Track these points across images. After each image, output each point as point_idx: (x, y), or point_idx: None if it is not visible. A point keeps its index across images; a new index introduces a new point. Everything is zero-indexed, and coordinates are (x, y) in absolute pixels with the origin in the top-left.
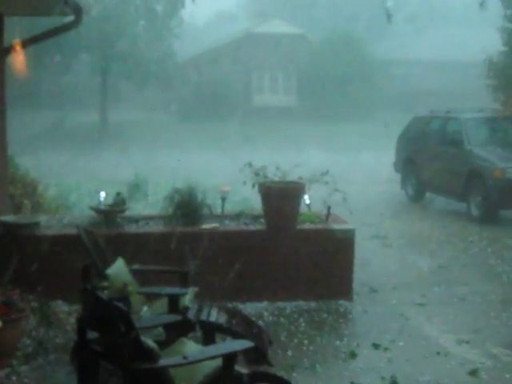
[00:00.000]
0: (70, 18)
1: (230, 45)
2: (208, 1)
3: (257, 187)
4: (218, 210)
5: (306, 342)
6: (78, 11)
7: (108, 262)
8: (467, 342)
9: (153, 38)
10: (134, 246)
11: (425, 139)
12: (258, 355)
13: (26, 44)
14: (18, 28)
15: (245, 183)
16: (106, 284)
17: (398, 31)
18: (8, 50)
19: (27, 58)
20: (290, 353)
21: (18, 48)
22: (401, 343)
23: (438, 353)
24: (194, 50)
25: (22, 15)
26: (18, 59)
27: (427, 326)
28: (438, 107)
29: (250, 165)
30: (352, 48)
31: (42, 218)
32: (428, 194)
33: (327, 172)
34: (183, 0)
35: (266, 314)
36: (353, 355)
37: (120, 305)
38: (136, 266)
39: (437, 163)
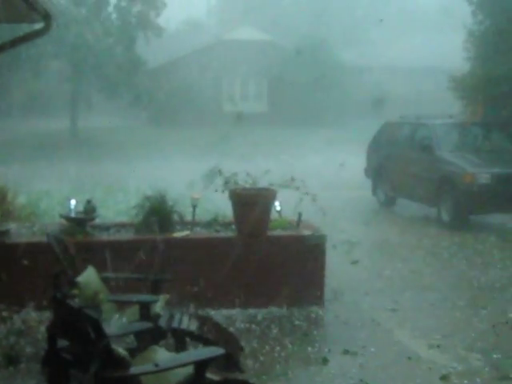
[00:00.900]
0: (40, 25)
1: (200, 52)
2: (178, 8)
3: (227, 194)
4: (189, 218)
5: (277, 348)
6: (47, 18)
7: (78, 270)
8: (438, 347)
9: (123, 46)
10: (105, 254)
11: (395, 145)
12: (229, 362)
13: None
14: None
15: (216, 191)
16: (76, 292)
17: (368, 38)
18: None
19: None
20: (261, 359)
21: None
22: (372, 349)
23: (410, 358)
24: (164, 56)
25: None
26: None
27: (398, 331)
28: (408, 113)
29: (220, 172)
30: (322, 54)
31: (12, 226)
32: (399, 200)
33: (295, 178)
34: (157, 10)
35: (237, 320)
36: (324, 361)
37: (90, 312)
38: (107, 274)
39: (408, 169)
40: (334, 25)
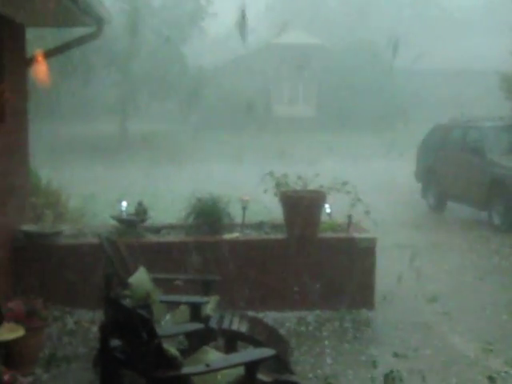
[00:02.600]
0: (92, 29)
1: (249, 56)
2: (228, 13)
3: (278, 196)
4: (239, 220)
5: (327, 350)
6: (99, 22)
7: (130, 271)
8: (491, 351)
9: (173, 51)
10: (156, 255)
11: (446, 148)
12: (279, 363)
13: (48, 55)
14: (40, 39)
15: (266, 191)
16: (128, 293)
17: (416, 40)
18: (30, 61)
19: (49, 68)
20: (311, 361)
21: (40, 59)
22: (424, 352)
23: (461, 361)
24: (214, 61)
25: (44, 26)
26: (40, 70)
27: (450, 335)
28: (457, 116)
29: (272, 174)
30: (371, 57)
31: (64, 228)
32: (449, 203)
33: (347, 182)
34: (202, 13)
35: (287, 322)
36: (374, 364)
37: (143, 313)
38: (158, 275)
39: (458, 172)
40: (382, 28)
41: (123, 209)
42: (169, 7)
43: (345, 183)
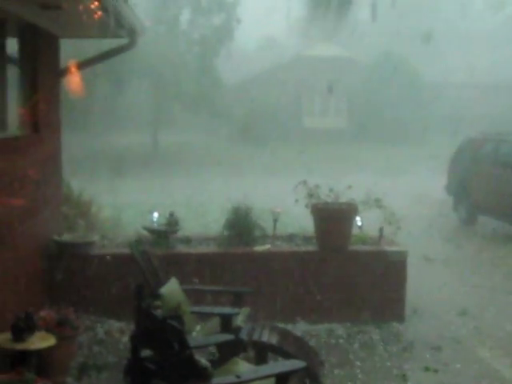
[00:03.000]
0: (125, 41)
1: (279, 68)
2: (258, 26)
3: (309, 208)
4: (270, 232)
5: (357, 363)
6: (132, 34)
7: (161, 282)
8: None
9: (204, 64)
10: (187, 266)
11: (477, 162)
12: (310, 376)
13: (80, 66)
14: (73, 50)
15: (297, 201)
16: (159, 303)
17: (447, 53)
18: (64, 72)
19: (82, 79)
20: (341, 373)
21: (74, 70)
22: (454, 366)
23: (492, 375)
24: (244, 73)
25: (78, 37)
26: (73, 81)
27: (480, 349)
28: (489, 129)
29: (305, 182)
30: (402, 70)
31: (96, 238)
32: (481, 217)
33: (380, 199)
34: (232, 25)
35: (318, 334)
36: (404, 378)
37: (174, 323)
38: (189, 286)
39: (490, 186)
40: (413, 40)
41: (155, 219)
42: (199, 21)
43: (378, 200)
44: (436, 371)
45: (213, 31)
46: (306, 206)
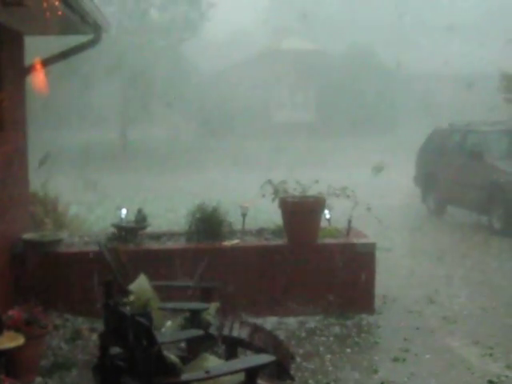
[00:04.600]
0: (90, 37)
1: (249, 62)
2: (226, 18)
3: (277, 202)
4: (239, 227)
5: (327, 356)
6: (97, 30)
7: (130, 278)
8: (491, 355)
9: (172, 57)
10: (156, 262)
11: (445, 153)
12: (280, 370)
13: (45, 63)
14: (38, 47)
15: (264, 196)
16: (128, 300)
17: (415, 44)
18: (29, 70)
19: (47, 77)
20: (311, 367)
21: (39, 67)
22: (423, 356)
23: (461, 365)
24: (213, 67)
25: (42, 34)
26: (39, 78)
27: (450, 339)
28: (457, 120)
29: (271, 182)
30: (370, 61)
31: (64, 236)
32: (450, 208)
33: (346, 187)
34: (202, 16)
35: (287, 328)
36: (374, 369)
37: (142, 320)
38: (158, 282)
39: (458, 176)
40: (382, 31)
41: (123, 216)
42: (168, 11)
43: (344, 188)
44: (406, 361)
45: (183, 19)
46: (273, 200)
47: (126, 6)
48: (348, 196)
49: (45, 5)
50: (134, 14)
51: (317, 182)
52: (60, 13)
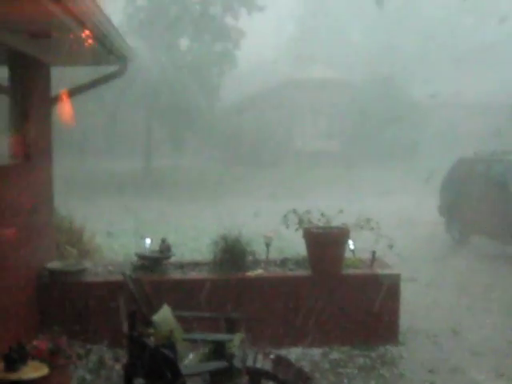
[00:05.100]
0: (116, 67)
1: (272, 91)
2: (249, 48)
3: (302, 233)
4: (263, 257)
5: None
6: (123, 60)
7: (154, 309)
8: None
9: (197, 88)
10: (180, 293)
11: (470, 182)
12: None
13: (72, 93)
14: (64, 77)
15: (288, 226)
16: (151, 331)
17: (440, 73)
18: (55, 100)
19: (73, 105)
20: None
21: (65, 97)
22: None
23: None
24: (237, 96)
25: (68, 65)
26: (65, 108)
27: (477, 373)
28: (482, 149)
29: (295, 211)
30: (394, 91)
31: (88, 265)
32: (474, 238)
33: (371, 219)
34: (233, 53)
35: (312, 359)
36: None
37: (167, 352)
38: (182, 313)
39: (482, 206)
40: (406, 60)
41: (147, 246)
42: (198, 47)
43: (368, 220)
44: None
45: (214, 58)
46: (296, 230)
47: (153, 37)
48: (372, 228)
49: (71, 37)
50: (164, 45)
51: (341, 211)
52: (86, 44)
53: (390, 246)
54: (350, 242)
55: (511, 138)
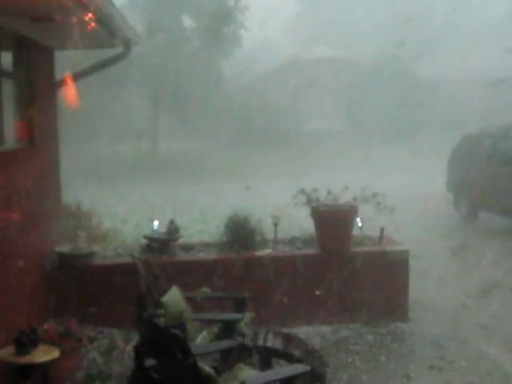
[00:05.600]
0: (119, 50)
1: (277, 71)
2: (254, 28)
3: (310, 211)
4: (271, 236)
5: (362, 364)
6: (126, 43)
7: (163, 290)
8: None
9: (204, 67)
10: (189, 274)
11: (477, 158)
12: (315, 379)
13: (76, 77)
14: (68, 61)
15: (296, 205)
16: (161, 312)
17: (445, 49)
18: (60, 84)
19: (79, 89)
20: (346, 375)
21: (69, 81)
22: (459, 364)
23: (498, 373)
24: (242, 77)
25: (72, 49)
26: (70, 92)
27: (486, 346)
28: (489, 125)
29: (303, 191)
30: (399, 69)
31: (97, 248)
32: (482, 213)
33: (377, 193)
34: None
35: (322, 337)
36: (409, 377)
37: (177, 331)
38: (191, 294)
39: (490, 181)
40: (411, 37)
41: (155, 228)
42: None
43: (375, 194)
44: (441, 369)
45: (219, 39)
46: (305, 205)
47: (160, 18)
48: (379, 202)
49: (74, 20)
50: (168, 25)
51: (347, 188)
52: (89, 28)
53: (397, 229)
54: (358, 219)
55: None
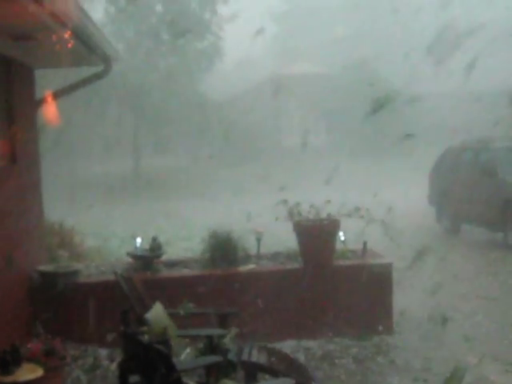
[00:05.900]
0: (100, 68)
1: (256, 88)
2: (234, 46)
3: (292, 226)
4: (254, 251)
5: (347, 378)
6: (106, 60)
7: (147, 307)
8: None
9: (180, 84)
10: (172, 290)
11: (458, 170)
12: None
13: (56, 95)
14: (48, 80)
15: (277, 219)
16: (145, 328)
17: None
18: (40, 102)
19: (60, 108)
20: None
21: (50, 100)
22: (445, 375)
23: (483, 383)
24: (222, 94)
25: (52, 67)
26: (50, 111)
27: (471, 357)
28: (469, 138)
29: (286, 202)
30: (378, 84)
31: (80, 267)
32: (465, 226)
33: (359, 208)
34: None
35: (306, 351)
36: None
37: (160, 347)
38: (174, 310)
39: (471, 194)
40: (389, 51)
41: (138, 245)
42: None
43: (357, 209)
44: (426, 381)
45: (198, 54)
46: (287, 222)
47: (138, 37)
48: (362, 216)
49: (54, 38)
50: (146, 45)
51: (328, 201)
52: (69, 45)
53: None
54: (341, 233)
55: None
